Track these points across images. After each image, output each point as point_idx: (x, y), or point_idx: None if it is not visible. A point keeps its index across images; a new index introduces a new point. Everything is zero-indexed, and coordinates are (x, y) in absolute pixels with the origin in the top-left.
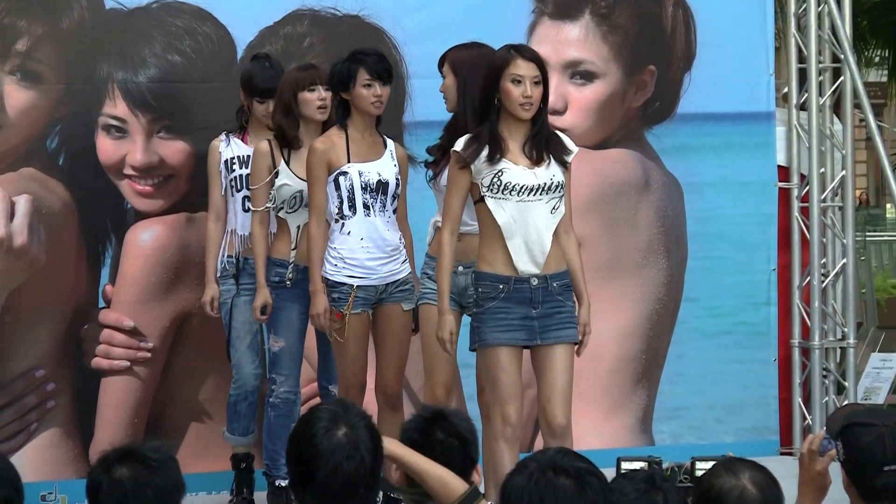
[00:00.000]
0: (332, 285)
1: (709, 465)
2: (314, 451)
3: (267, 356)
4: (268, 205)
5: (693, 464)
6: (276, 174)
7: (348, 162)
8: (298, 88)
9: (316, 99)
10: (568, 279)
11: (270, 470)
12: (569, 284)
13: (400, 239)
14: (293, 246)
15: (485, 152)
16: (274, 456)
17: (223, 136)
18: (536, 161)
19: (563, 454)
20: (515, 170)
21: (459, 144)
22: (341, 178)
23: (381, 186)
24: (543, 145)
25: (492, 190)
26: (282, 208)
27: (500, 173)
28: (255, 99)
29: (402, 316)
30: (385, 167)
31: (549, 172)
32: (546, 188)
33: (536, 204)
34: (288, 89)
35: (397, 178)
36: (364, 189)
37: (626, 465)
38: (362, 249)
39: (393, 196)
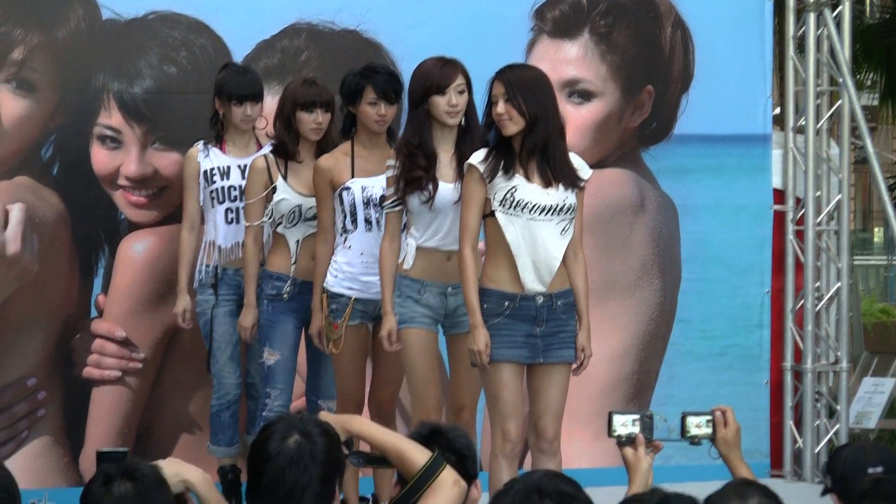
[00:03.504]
0: (331, 297)
1: (699, 419)
2: (262, 456)
3: (259, 370)
4: (263, 220)
5: (684, 419)
6: (274, 189)
7: (352, 177)
8: (298, 106)
9: (312, 121)
10: (571, 298)
11: None
12: (572, 304)
13: None
14: (293, 261)
15: (501, 166)
16: None
17: (201, 146)
18: (548, 182)
19: (549, 477)
20: (529, 187)
21: (477, 158)
22: (344, 194)
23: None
24: (556, 168)
25: (504, 205)
26: (280, 223)
27: (513, 189)
28: (233, 103)
29: None
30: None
31: (563, 195)
32: (557, 209)
33: (546, 224)
34: (289, 104)
35: None
36: (366, 204)
37: (617, 418)
38: (362, 264)
39: None
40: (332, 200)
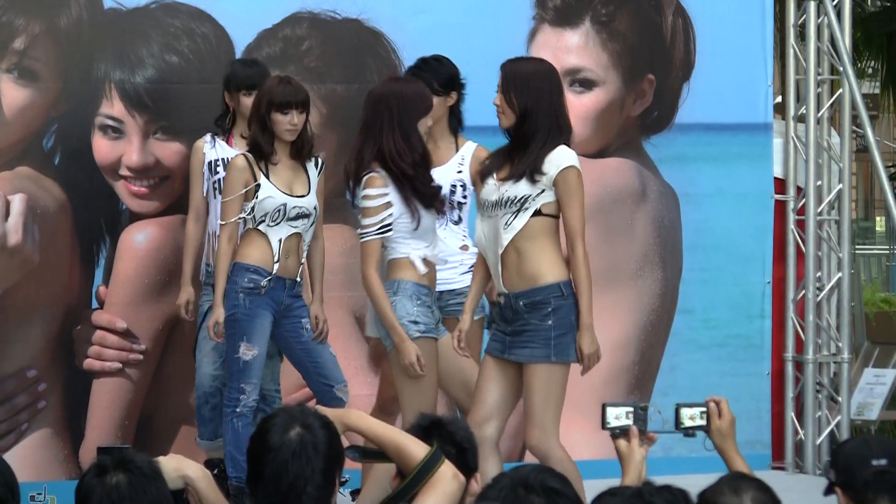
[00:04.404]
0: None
1: (694, 411)
2: (264, 448)
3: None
4: (242, 215)
5: (678, 411)
6: (258, 187)
7: None
8: (273, 107)
9: (287, 122)
10: (539, 297)
11: (243, 482)
12: (539, 302)
13: (465, 248)
14: (275, 259)
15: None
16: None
17: (208, 138)
18: (508, 176)
19: (538, 472)
20: (489, 186)
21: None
22: None
23: None
24: (524, 161)
25: (478, 207)
26: (262, 221)
27: (482, 190)
28: (242, 93)
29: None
30: (443, 174)
31: (509, 187)
32: (502, 203)
33: (495, 220)
34: (265, 104)
35: (455, 185)
36: None
37: (611, 410)
38: None
39: (451, 203)
40: None
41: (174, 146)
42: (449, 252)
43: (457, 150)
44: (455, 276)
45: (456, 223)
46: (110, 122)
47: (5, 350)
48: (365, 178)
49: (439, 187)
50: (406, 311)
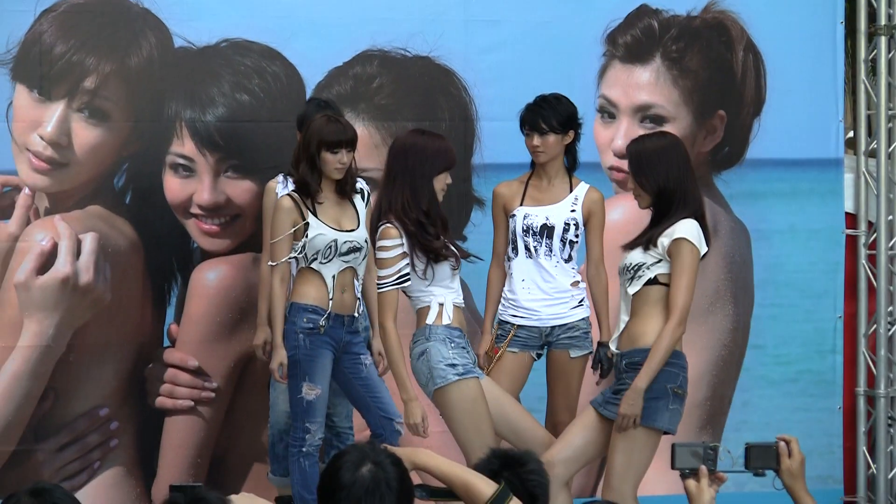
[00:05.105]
0: (499, 323)
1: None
2: (336, 485)
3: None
4: (293, 255)
5: (748, 450)
6: (307, 226)
7: (521, 205)
8: (323, 146)
9: (336, 161)
10: (638, 358)
11: None
12: (637, 363)
13: (575, 284)
14: (330, 296)
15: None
16: None
17: (280, 178)
18: (631, 245)
19: None
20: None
21: None
22: (511, 221)
23: (546, 230)
24: (646, 231)
25: None
26: (315, 259)
27: None
28: None
29: (570, 363)
30: (557, 212)
31: (629, 254)
32: (623, 269)
33: (622, 286)
34: (315, 143)
35: (569, 223)
36: (525, 232)
37: (680, 450)
38: (523, 290)
39: (563, 240)
40: (506, 226)
41: (245, 184)
42: (560, 289)
43: (570, 190)
44: (566, 310)
45: (567, 261)
46: (181, 161)
47: (78, 389)
48: (380, 229)
49: (444, 244)
50: (442, 355)
